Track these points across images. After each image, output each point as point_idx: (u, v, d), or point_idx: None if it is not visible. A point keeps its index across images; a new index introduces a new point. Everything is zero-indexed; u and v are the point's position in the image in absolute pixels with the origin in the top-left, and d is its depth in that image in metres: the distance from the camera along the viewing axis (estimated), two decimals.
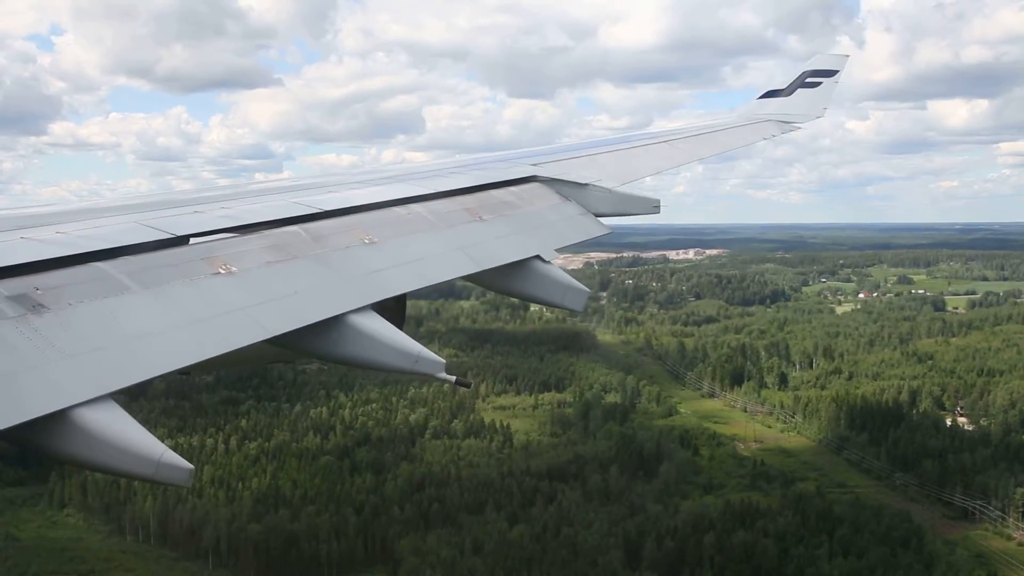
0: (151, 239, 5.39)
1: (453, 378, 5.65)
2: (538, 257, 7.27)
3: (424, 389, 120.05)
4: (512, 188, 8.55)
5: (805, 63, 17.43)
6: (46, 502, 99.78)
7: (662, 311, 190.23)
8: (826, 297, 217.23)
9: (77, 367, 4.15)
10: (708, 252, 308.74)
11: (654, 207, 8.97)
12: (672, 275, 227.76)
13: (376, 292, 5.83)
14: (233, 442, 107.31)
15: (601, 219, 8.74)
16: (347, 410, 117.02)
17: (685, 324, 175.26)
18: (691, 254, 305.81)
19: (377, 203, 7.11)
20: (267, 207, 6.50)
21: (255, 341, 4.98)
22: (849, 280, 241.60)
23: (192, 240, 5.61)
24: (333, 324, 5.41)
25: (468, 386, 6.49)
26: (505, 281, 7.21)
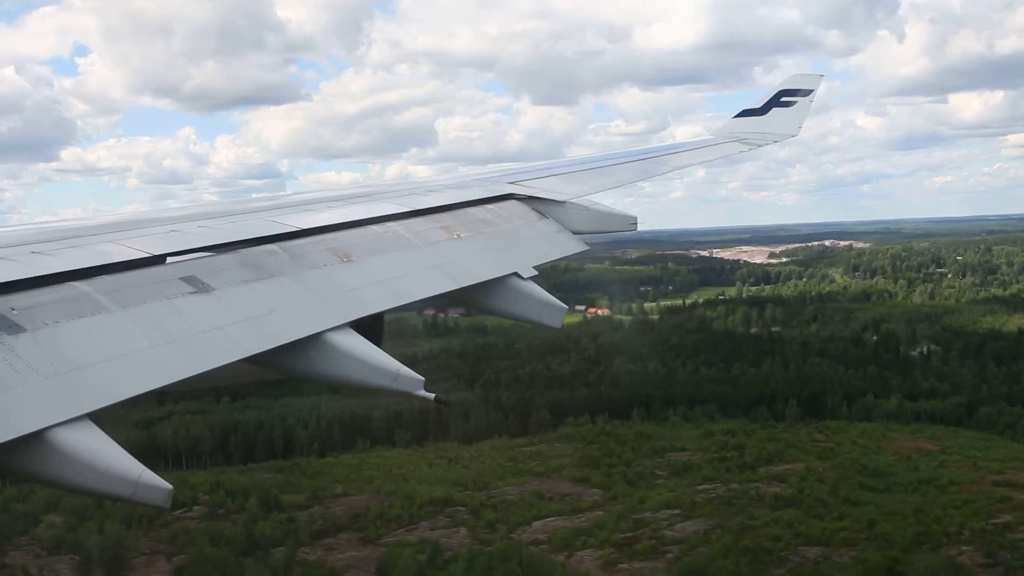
0: (128, 258, 5.41)
1: (432, 396, 5.67)
2: (516, 274, 7.34)
3: None
4: (489, 206, 8.61)
5: (780, 82, 17.73)
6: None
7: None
8: None
9: (55, 387, 4.15)
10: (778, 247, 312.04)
11: (631, 224, 9.05)
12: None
13: (354, 310, 5.85)
14: None
15: (579, 236, 8.82)
16: None
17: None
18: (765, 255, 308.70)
19: (354, 221, 7.15)
20: (245, 226, 6.52)
21: (233, 360, 5.00)
22: None
23: (169, 259, 5.63)
24: (311, 342, 5.42)
25: (446, 403, 6.49)
26: (483, 298, 7.26)
